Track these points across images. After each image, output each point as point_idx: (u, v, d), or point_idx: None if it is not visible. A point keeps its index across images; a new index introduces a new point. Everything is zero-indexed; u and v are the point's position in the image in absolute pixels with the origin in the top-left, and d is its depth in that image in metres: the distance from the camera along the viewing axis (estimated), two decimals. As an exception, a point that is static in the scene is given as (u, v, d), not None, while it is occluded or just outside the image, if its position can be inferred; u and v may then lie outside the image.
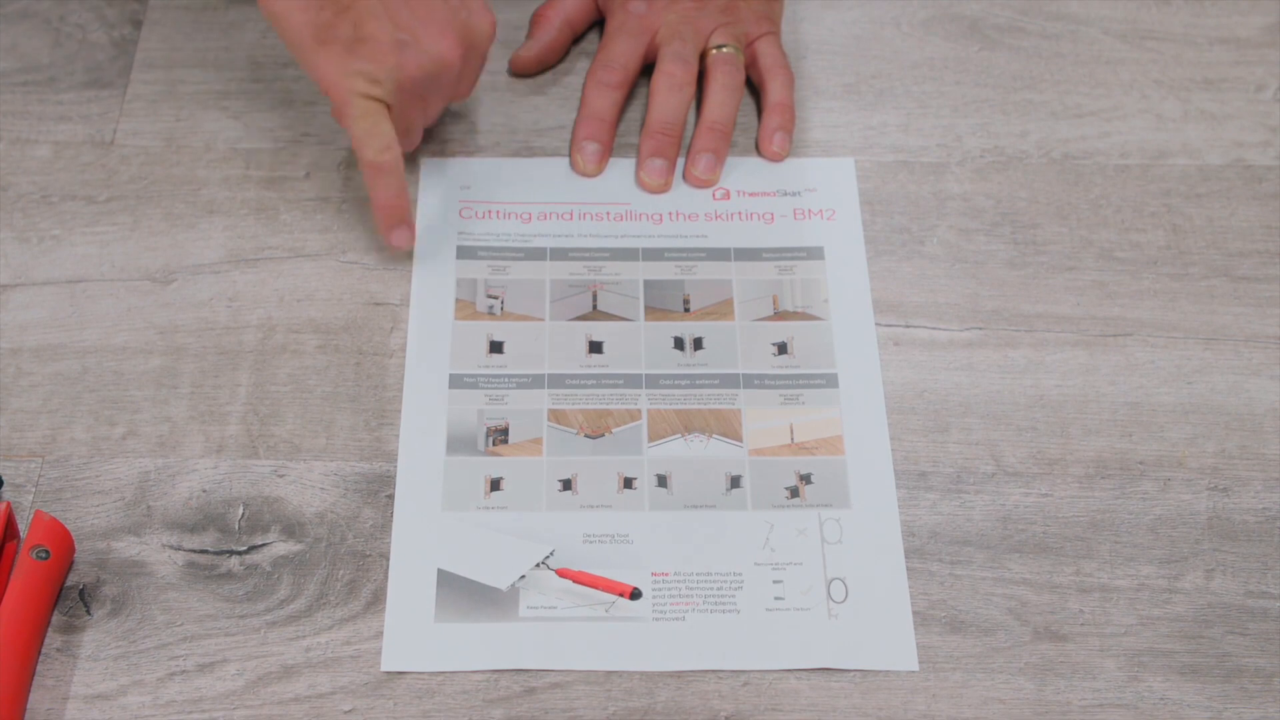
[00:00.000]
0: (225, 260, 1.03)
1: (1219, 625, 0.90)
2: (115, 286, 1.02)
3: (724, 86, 1.09)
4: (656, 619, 0.90)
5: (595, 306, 1.02)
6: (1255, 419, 0.98)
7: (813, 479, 0.95)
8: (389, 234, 1.02)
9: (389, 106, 0.99)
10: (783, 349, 1.00)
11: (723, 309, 1.02)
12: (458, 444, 0.96)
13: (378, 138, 0.98)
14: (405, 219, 1.02)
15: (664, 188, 1.07)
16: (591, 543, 0.93)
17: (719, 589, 0.91)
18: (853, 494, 0.95)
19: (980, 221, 1.06)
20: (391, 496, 0.94)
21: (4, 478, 0.93)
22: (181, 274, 1.03)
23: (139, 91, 1.11)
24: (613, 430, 0.97)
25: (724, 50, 1.10)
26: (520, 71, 1.13)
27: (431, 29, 0.98)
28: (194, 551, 0.92)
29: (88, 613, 0.90)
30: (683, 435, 0.97)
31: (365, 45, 0.97)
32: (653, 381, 0.99)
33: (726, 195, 1.08)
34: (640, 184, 1.07)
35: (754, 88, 1.13)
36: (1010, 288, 1.03)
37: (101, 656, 0.88)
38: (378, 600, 0.90)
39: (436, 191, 1.07)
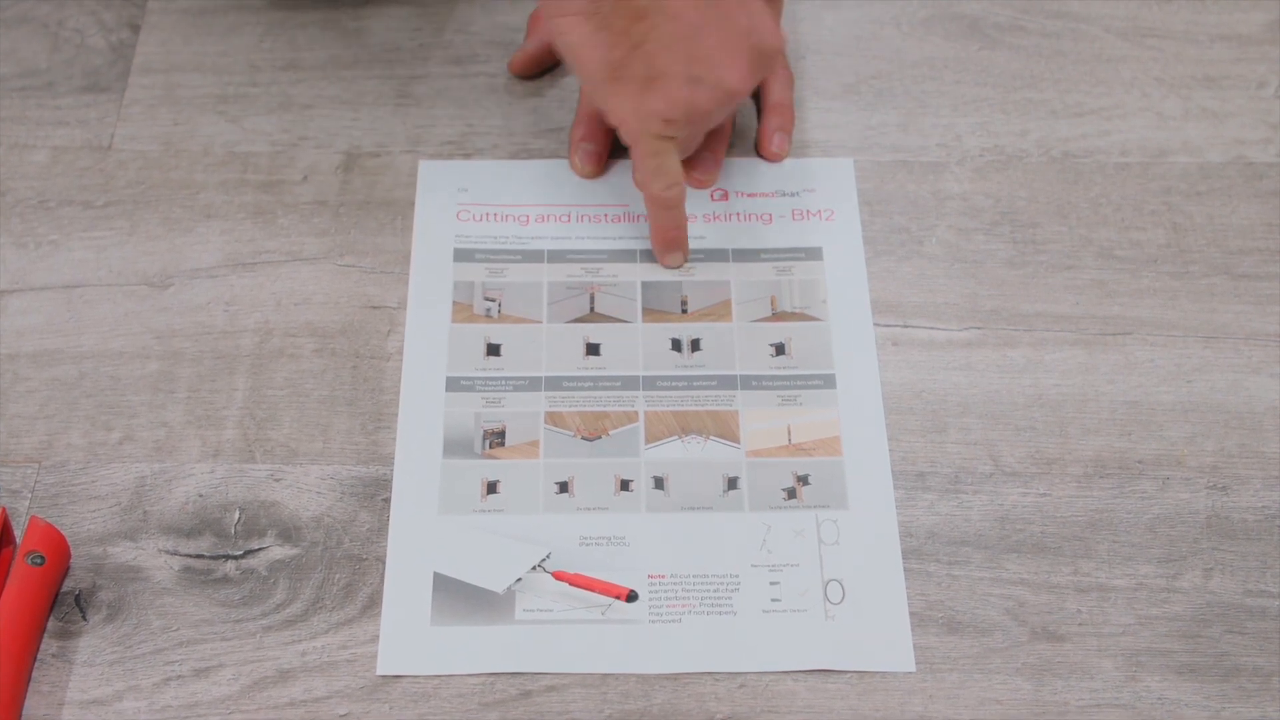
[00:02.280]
0: (222, 264, 1.03)
1: (1217, 624, 0.90)
2: (112, 291, 1.02)
3: (724, 87, 1.09)
4: (653, 621, 0.90)
5: (593, 308, 1.02)
6: (1255, 417, 0.97)
7: (810, 480, 0.95)
8: (664, 256, 1.04)
9: (677, 141, 0.99)
10: (781, 350, 1.00)
11: (721, 310, 1.02)
12: (454, 447, 0.96)
13: (665, 175, 1.00)
14: (682, 244, 1.04)
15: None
16: (588, 545, 0.92)
17: (716, 591, 0.91)
18: (850, 495, 0.94)
19: (979, 221, 1.06)
20: (388, 500, 0.94)
21: None
22: (178, 278, 1.03)
23: (136, 96, 1.11)
24: (610, 432, 0.97)
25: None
26: (518, 73, 1.13)
27: (724, 60, 0.97)
28: (190, 556, 0.92)
29: (84, 618, 0.90)
30: (680, 437, 0.97)
31: (658, 84, 0.96)
32: (650, 383, 0.99)
33: (725, 196, 1.07)
34: (637, 185, 1.07)
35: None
36: (1009, 287, 1.03)
37: (97, 662, 0.88)
38: (374, 604, 0.90)
39: (434, 194, 1.07)
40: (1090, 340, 1.00)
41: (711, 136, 1.08)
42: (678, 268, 1.04)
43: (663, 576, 0.91)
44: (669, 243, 1.03)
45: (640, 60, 0.96)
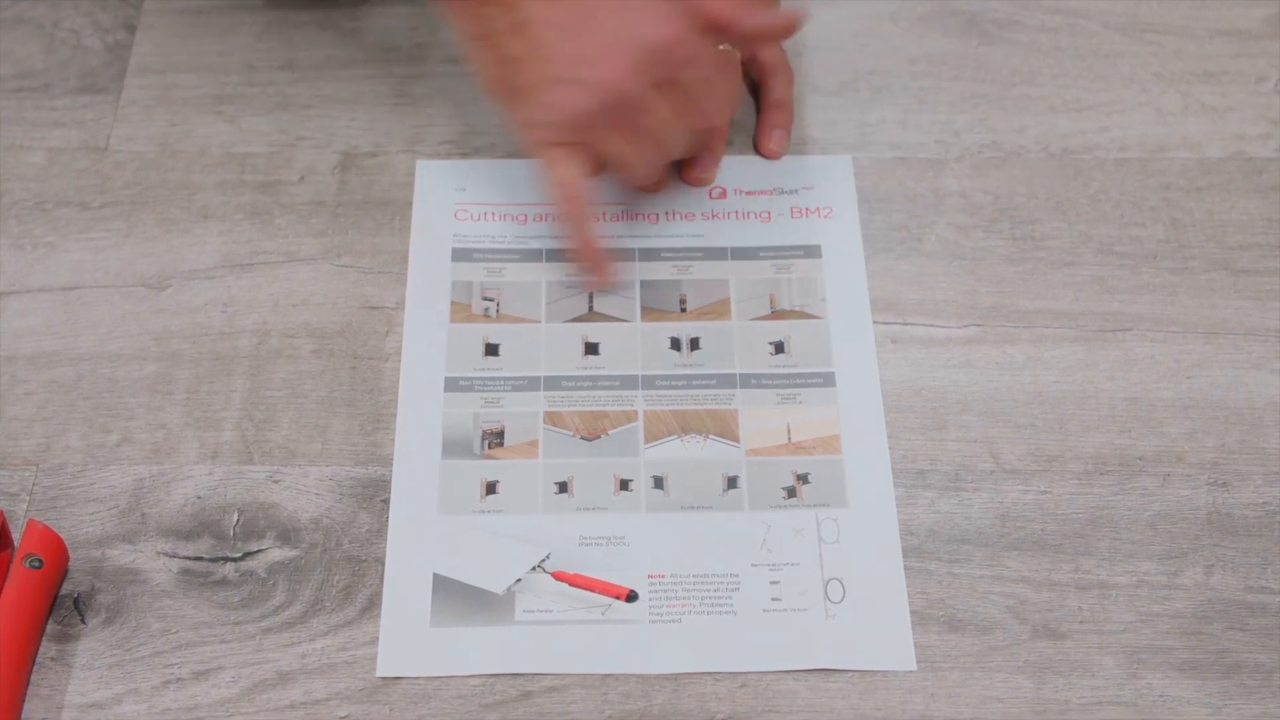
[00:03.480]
0: (220, 265, 1.03)
1: (1218, 621, 0.90)
2: (110, 293, 1.02)
3: (721, 85, 1.09)
4: (653, 621, 0.90)
5: (591, 308, 1.02)
6: (1255, 413, 0.97)
7: (810, 479, 0.95)
8: (588, 275, 1.02)
9: (578, 147, 0.97)
10: (780, 348, 1.00)
11: (720, 309, 1.02)
12: (453, 447, 0.96)
13: (559, 186, 0.98)
14: (599, 261, 1.01)
15: (659, 187, 1.07)
16: (588, 545, 0.92)
17: (716, 590, 0.91)
18: (850, 493, 0.94)
19: (978, 218, 1.06)
20: (387, 501, 0.94)
21: (-1, 486, 0.94)
22: (176, 279, 1.02)
23: (133, 97, 1.11)
24: (609, 432, 0.97)
25: (721, 48, 1.10)
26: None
27: (602, 57, 0.95)
28: (189, 559, 0.92)
29: (82, 621, 0.89)
30: (679, 436, 0.96)
31: (531, 92, 0.97)
32: (649, 382, 0.99)
33: (723, 194, 1.07)
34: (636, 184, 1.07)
35: (752, 85, 1.12)
36: (1009, 284, 1.03)
37: (96, 665, 0.88)
38: (373, 605, 0.90)
39: (432, 193, 1.06)
40: (1090, 337, 1.00)
41: (709, 134, 1.08)
42: (603, 289, 1.02)
43: (663, 576, 0.91)
44: (580, 257, 1.01)
45: (517, 73, 0.97)
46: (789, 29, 1.02)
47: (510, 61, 0.97)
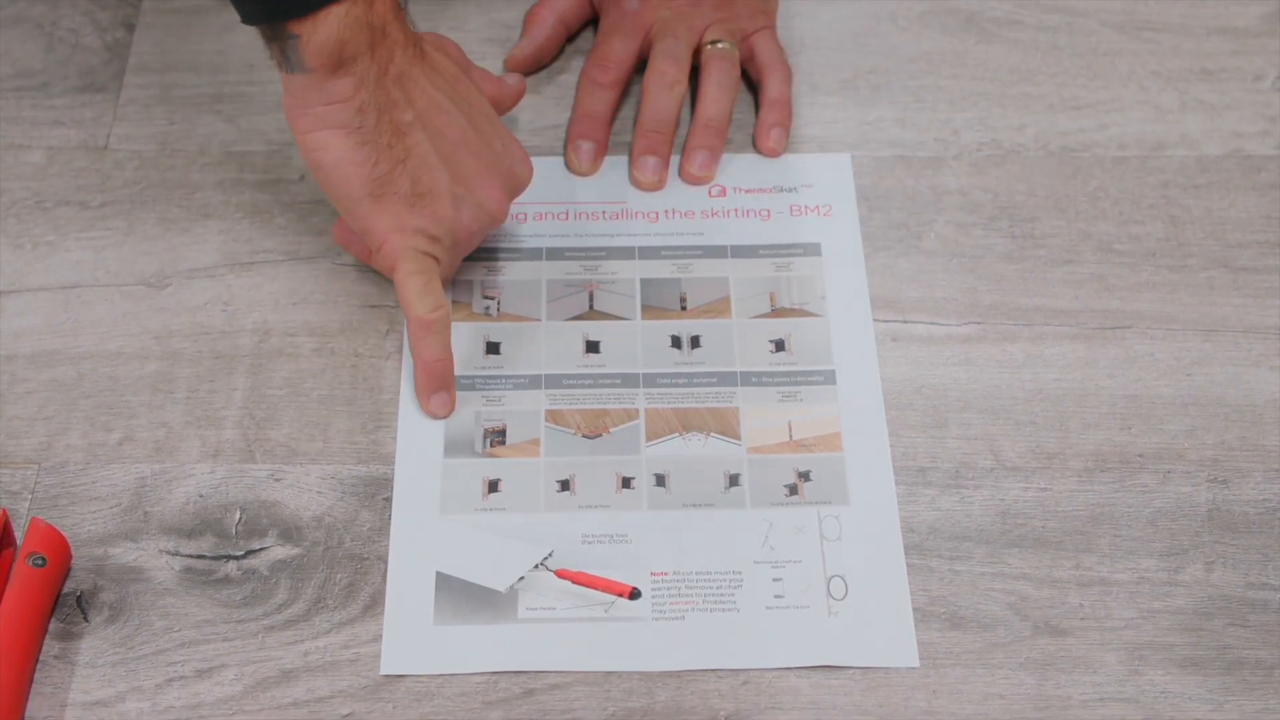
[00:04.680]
0: (220, 264, 1.03)
1: (1219, 618, 0.90)
2: (110, 292, 1.02)
3: (718, 83, 1.09)
4: (656, 619, 0.90)
5: (592, 306, 1.02)
6: (1255, 410, 0.97)
7: (811, 476, 0.95)
8: (428, 399, 0.96)
9: (439, 261, 0.96)
10: (780, 346, 1.00)
11: (720, 307, 1.02)
12: (455, 446, 0.96)
13: (430, 296, 0.94)
14: (448, 383, 0.96)
15: (658, 185, 1.07)
16: (590, 543, 0.92)
17: (718, 588, 0.91)
18: (851, 491, 0.94)
19: (978, 216, 1.06)
20: (389, 499, 0.94)
21: None
22: (176, 278, 1.02)
23: (132, 95, 1.11)
24: (610, 430, 0.97)
25: (719, 46, 1.10)
26: (515, 70, 1.12)
27: (482, 180, 0.96)
28: (191, 557, 0.92)
29: (85, 619, 0.89)
30: (681, 434, 0.97)
31: (425, 200, 0.94)
32: (650, 380, 0.99)
33: (723, 192, 1.07)
34: (634, 182, 1.07)
35: (751, 83, 1.12)
36: (1008, 282, 1.03)
37: (99, 663, 0.88)
38: (376, 603, 0.90)
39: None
40: (1089, 334, 1.00)
41: (707, 133, 1.08)
42: (445, 417, 0.97)
43: (665, 574, 0.91)
44: (434, 376, 0.96)
45: (405, 176, 0.93)
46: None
47: (398, 163, 0.93)
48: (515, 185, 0.99)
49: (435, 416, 0.97)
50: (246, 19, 0.89)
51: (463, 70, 0.98)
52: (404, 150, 0.93)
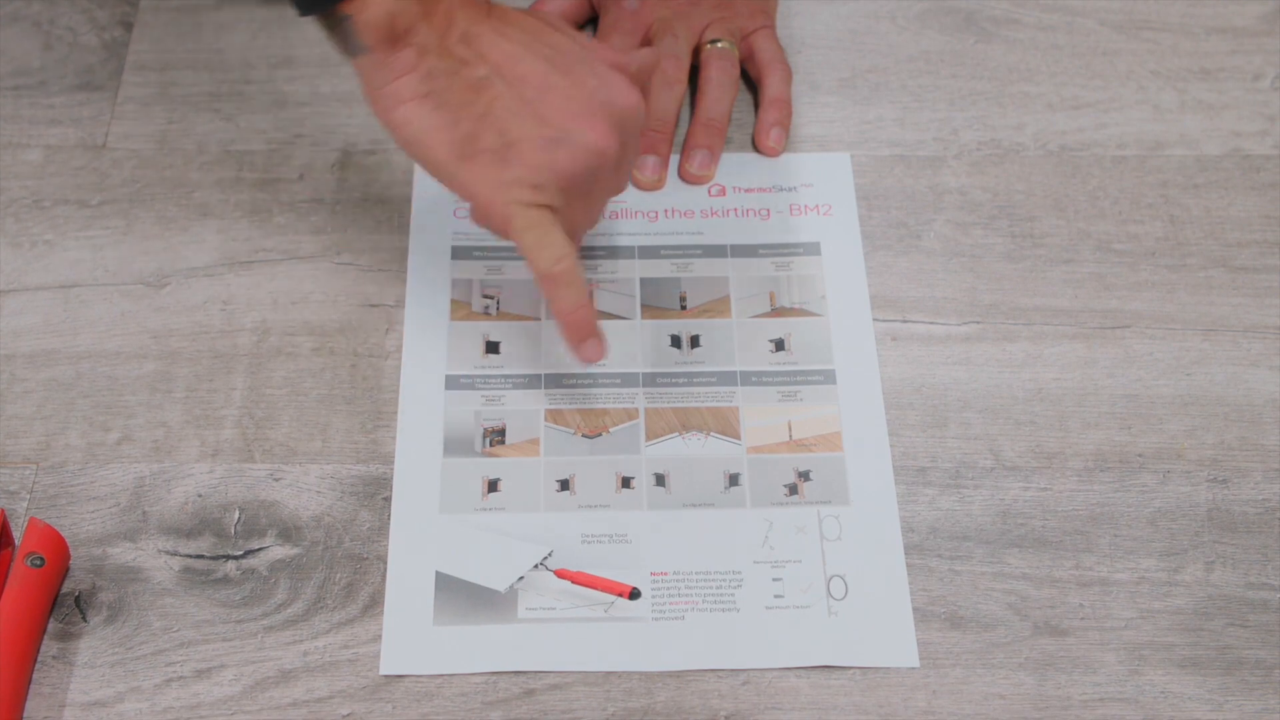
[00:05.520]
0: (219, 263, 1.03)
1: (1219, 618, 0.90)
2: (108, 291, 1.01)
3: (718, 82, 1.09)
4: (656, 619, 0.90)
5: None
6: (1254, 410, 0.97)
7: (811, 476, 0.95)
8: (578, 347, 0.93)
9: (555, 210, 0.91)
10: (780, 345, 1.00)
11: (719, 306, 1.02)
12: (455, 445, 0.96)
13: (550, 248, 0.90)
14: (593, 330, 0.93)
15: (658, 184, 1.07)
16: (590, 543, 0.92)
17: (718, 588, 0.91)
18: (852, 490, 0.94)
19: (977, 215, 1.06)
20: (388, 499, 0.94)
21: (-1, 485, 0.94)
22: (175, 278, 1.02)
23: (130, 94, 1.11)
24: (610, 429, 0.97)
25: (718, 45, 1.10)
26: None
27: (576, 118, 0.91)
28: (190, 557, 0.92)
29: (84, 620, 0.89)
30: (680, 434, 0.96)
31: (515, 150, 0.90)
32: (650, 380, 0.99)
33: (722, 191, 1.07)
34: (634, 181, 1.07)
35: (750, 82, 1.12)
36: (1008, 281, 1.03)
37: (98, 664, 0.88)
38: (375, 603, 0.90)
39: (431, 192, 1.06)
40: (1089, 334, 1.00)
41: (707, 132, 1.08)
42: (597, 362, 0.95)
43: (665, 574, 0.91)
44: (577, 326, 0.93)
45: (491, 130, 0.90)
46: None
47: (480, 119, 0.90)
48: (620, 116, 0.93)
49: (590, 363, 0.95)
50: (303, 10, 0.89)
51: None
52: (484, 105, 0.90)
